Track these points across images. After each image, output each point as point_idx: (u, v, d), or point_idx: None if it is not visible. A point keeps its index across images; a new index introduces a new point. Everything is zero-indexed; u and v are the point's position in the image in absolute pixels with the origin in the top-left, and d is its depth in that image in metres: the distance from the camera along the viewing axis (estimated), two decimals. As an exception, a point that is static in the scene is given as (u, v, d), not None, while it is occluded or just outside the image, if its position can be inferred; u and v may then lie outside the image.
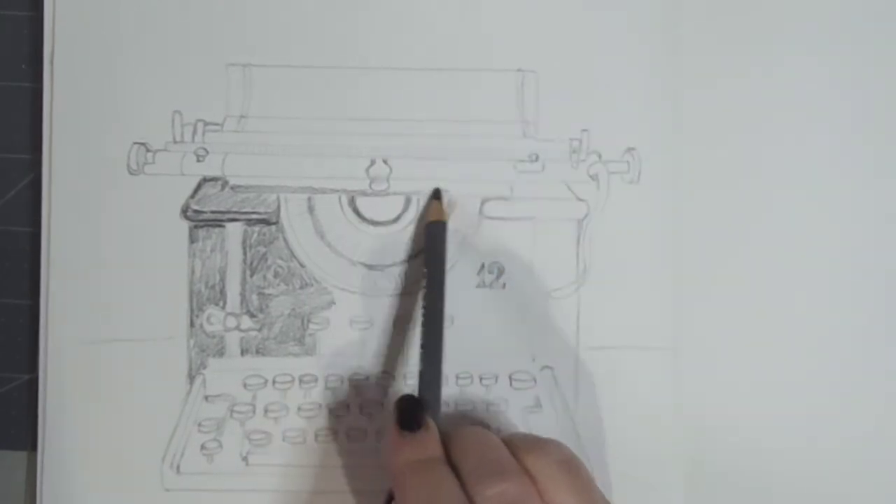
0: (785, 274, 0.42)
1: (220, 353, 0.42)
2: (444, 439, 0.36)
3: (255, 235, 0.42)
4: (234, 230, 0.42)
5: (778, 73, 0.42)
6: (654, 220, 0.42)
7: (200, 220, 0.42)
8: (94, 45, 0.42)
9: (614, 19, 0.42)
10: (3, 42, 0.43)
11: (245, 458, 0.42)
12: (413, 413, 0.36)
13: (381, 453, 0.37)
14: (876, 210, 0.43)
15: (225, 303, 0.42)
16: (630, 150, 0.42)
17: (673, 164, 0.42)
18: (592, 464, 0.41)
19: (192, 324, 0.42)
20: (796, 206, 0.42)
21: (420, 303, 0.40)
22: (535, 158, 0.42)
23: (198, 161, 0.42)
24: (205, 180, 0.42)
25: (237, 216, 0.42)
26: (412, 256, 0.42)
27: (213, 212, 0.42)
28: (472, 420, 0.41)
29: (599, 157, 0.42)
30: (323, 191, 0.42)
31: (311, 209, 0.42)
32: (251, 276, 0.42)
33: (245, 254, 0.42)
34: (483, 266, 0.42)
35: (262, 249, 0.42)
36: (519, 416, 0.42)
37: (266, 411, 0.42)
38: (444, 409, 0.42)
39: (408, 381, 0.42)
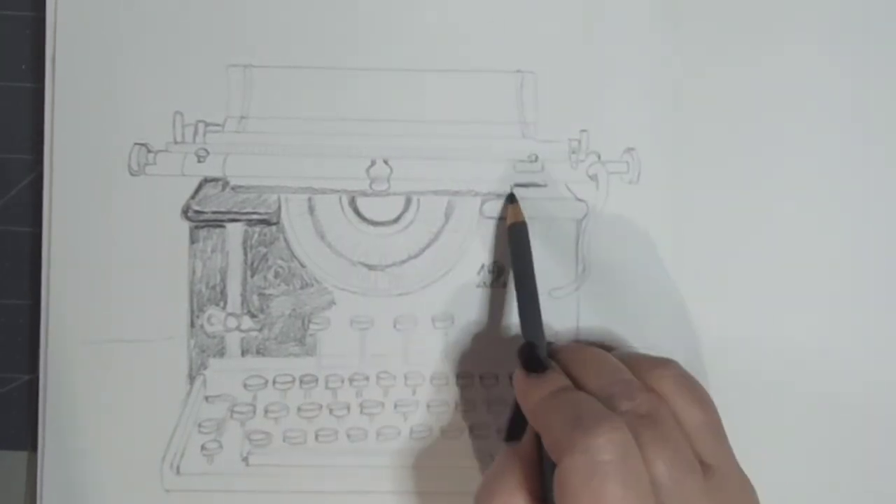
0: (785, 273, 0.42)
1: (221, 353, 0.42)
2: (566, 369, 0.37)
3: (256, 236, 0.42)
4: (235, 230, 0.42)
5: (778, 74, 0.43)
6: (654, 220, 0.42)
7: (201, 221, 0.42)
8: (96, 46, 0.42)
9: (614, 20, 0.42)
10: (5, 42, 0.43)
11: (245, 459, 0.42)
12: (536, 356, 0.38)
13: (516, 394, 0.37)
14: (879, 208, 0.43)
15: (225, 303, 0.42)
16: (629, 150, 0.42)
17: (672, 165, 0.42)
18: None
19: (192, 324, 0.42)
20: (796, 206, 0.43)
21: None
22: (535, 159, 0.42)
23: (198, 162, 0.42)
24: (205, 181, 0.42)
25: (238, 216, 0.42)
26: (413, 256, 0.42)
27: (213, 212, 0.42)
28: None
29: (599, 157, 0.42)
30: (323, 191, 0.42)
31: (311, 209, 0.42)
32: (252, 276, 0.42)
33: (246, 254, 0.42)
34: (483, 266, 0.42)
35: (262, 250, 0.42)
36: (519, 416, 0.42)
37: (266, 412, 0.42)
38: (444, 408, 0.42)
39: (408, 382, 0.42)
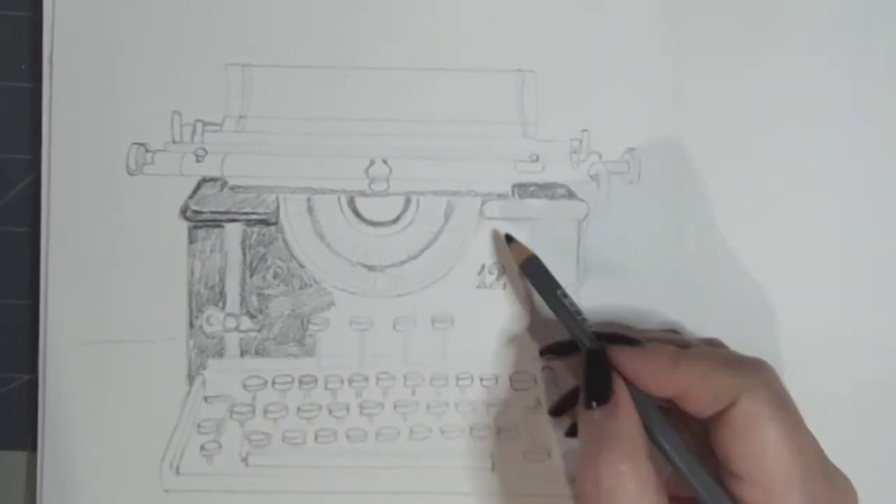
0: (785, 273, 0.42)
1: (220, 353, 0.42)
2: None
3: (255, 236, 0.42)
4: (234, 231, 0.42)
5: (778, 74, 0.42)
6: (654, 220, 0.42)
7: (200, 221, 0.42)
8: (94, 46, 0.42)
9: (614, 19, 0.42)
10: (3, 42, 0.43)
11: (245, 459, 0.42)
12: (606, 380, 0.35)
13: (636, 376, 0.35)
14: (879, 207, 0.42)
15: (224, 303, 0.42)
16: (630, 150, 0.42)
17: (673, 165, 0.42)
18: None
19: (191, 324, 0.42)
20: (796, 205, 0.42)
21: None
22: (536, 158, 0.42)
23: (197, 161, 0.42)
24: (204, 181, 0.42)
25: (236, 216, 0.42)
26: (412, 257, 0.42)
27: (212, 212, 0.42)
28: None
29: (599, 157, 0.42)
30: (322, 191, 0.42)
31: (310, 209, 0.42)
32: (251, 276, 0.42)
33: (244, 254, 0.42)
34: (483, 267, 0.42)
35: (261, 250, 0.42)
36: (519, 416, 0.42)
37: (266, 412, 0.42)
38: (444, 409, 0.42)
39: (408, 382, 0.42)
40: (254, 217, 0.42)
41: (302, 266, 0.42)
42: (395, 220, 0.42)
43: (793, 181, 0.42)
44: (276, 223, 0.42)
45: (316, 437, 0.42)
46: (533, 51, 0.42)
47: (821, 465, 0.33)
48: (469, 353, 0.42)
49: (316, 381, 0.42)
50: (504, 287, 0.42)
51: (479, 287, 0.42)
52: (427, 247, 0.42)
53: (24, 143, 0.42)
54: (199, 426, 0.42)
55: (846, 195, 0.42)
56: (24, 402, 0.43)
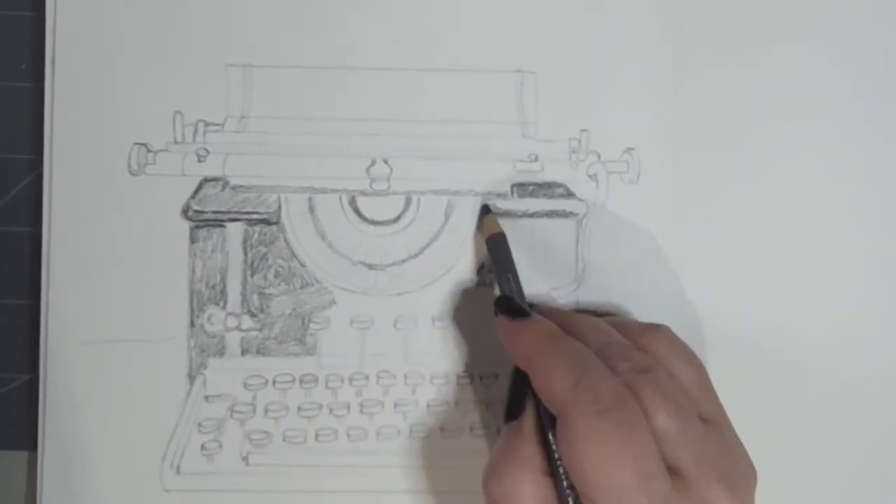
0: (785, 273, 0.42)
1: (221, 353, 0.42)
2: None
3: (256, 235, 0.42)
4: (235, 230, 0.42)
5: (778, 74, 0.43)
6: (654, 220, 0.42)
7: (201, 221, 0.42)
8: (96, 46, 0.42)
9: (614, 19, 0.42)
10: (5, 42, 0.43)
11: (245, 459, 0.42)
12: (518, 306, 0.38)
13: (503, 343, 0.37)
14: (880, 206, 0.43)
15: (225, 303, 0.42)
16: (629, 150, 0.42)
17: (672, 164, 0.42)
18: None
19: (192, 324, 0.42)
20: (796, 205, 0.43)
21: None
22: (535, 158, 0.42)
23: (198, 161, 0.42)
24: (205, 180, 0.42)
25: (238, 216, 0.42)
26: (413, 256, 0.42)
27: (213, 212, 0.42)
28: None
29: (599, 157, 0.42)
30: (323, 191, 0.42)
31: (311, 209, 0.42)
32: (252, 276, 0.42)
33: (246, 254, 0.42)
34: (483, 266, 0.42)
35: (262, 249, 0.42)
36: (519, 416, 0.42)
37: (266, 411, 0.42)
38: (444, 408, 0.42)
39: (408, 381, 0.42)
40: (255, 217, 0.42)
41: (303, 265, 0.42)
42: (396, 220, 0.42)
43: (793, 181, 0.43)
44: (277, 223, 0.42)
45: (316, 437, 0.42)
46: (532, 51, 0.42)
47: (651, 467, 0.32)
48: (469, 351, 0.42)
49: (316, 380, 0.42)
50: (504, 286, 0.42)
51: (479, 286, 0.42)
52: (427, 246, 0.42)
53: (25, 142, 0.42)
54: (199, 425, 0.42)
55: (846, 195, 0.43)
56: (24, 401, 0.42)
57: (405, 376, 0.42)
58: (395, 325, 0.42)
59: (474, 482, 0.41)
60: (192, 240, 0.42)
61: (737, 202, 0.42)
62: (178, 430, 0.41)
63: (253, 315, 0.42)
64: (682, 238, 0.42)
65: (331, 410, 0.42)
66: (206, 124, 0.42)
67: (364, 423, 0.42)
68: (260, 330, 0.42)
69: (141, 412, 0.41)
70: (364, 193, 0.42)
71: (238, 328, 0.42)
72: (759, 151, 0.42)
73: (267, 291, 0.42)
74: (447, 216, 0.42)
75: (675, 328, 0.42)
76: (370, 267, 0.42)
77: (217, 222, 0.42)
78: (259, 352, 0.42)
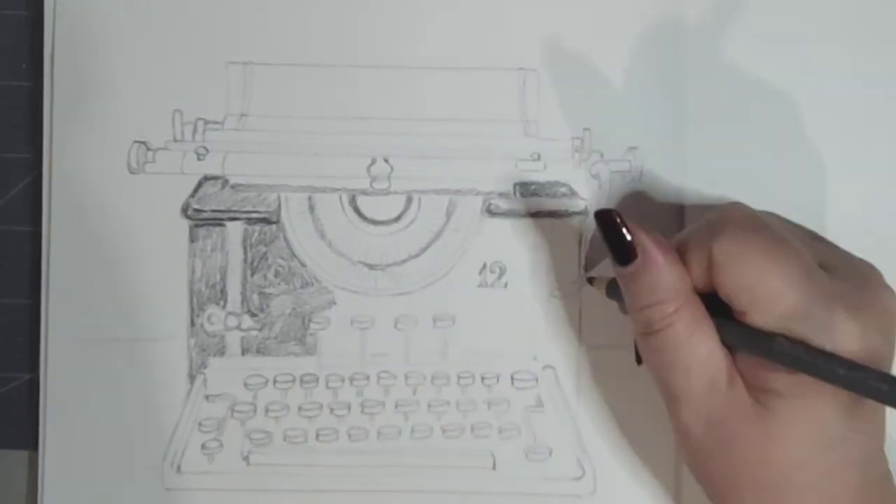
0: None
1: (221, 352, 0.42)
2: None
3: (256, 234, 0.42)
4: (235, 229, 0.42)
5: (779, 73, 0.42)
6: (656, 220, 0.42)
7: (201, 219, 0.42)
8: (94, 44, 0.42)
9: (616, 18, 0.42)
10: (4, 41, 0.42)
11: (246, 458, 0.42)
12: (624, 234, 0.36)
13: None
14: (881, 209, 0.42)
15: (225, 302, 0.42)
16: (632, 149, 0.42)
17: (674, 164, 0.42)
18: (594, 462, 0.41)
19: (192, 323, 0.42)
20: (799, 206, 0.42)
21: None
22: (537, 157, 0.42)
23: (198, 160, 0.42)
24: (205, 179, 0.42)
25: (238, 215, 0.42)
26: (413, 256, 0.42)
27: (213, 211, 0.42)
28: None
29: (601, 156, 0.42)
30: (324, 190, 0.42)
31: (311, 208, 0.42)
32: (252, 275, 0.42)
33: (246, 253, 0.42)
34: (485, 265, 0.42)
35: (262, 249, 0.42)
36: (521, 415, 0.42)
37: (267, 411, 0.42)
38: (445, 407, 0.42)
39: (409, 381, 0.42)
40: (255, 216, 0.42)
41: (303, 265, 0.42)
42: (397, 219, 0.42)
43: (794, 181, 0.42)
44: (277, 222, 0.42)
45: (317, 436, 0.42)
46: (535, 50, 0.42)
47: (817, 261, 0.34)
48: (470, 352, 0.42)
49: (317, 379, 0.42)
50: (506, 286, 0.42)
51: (480, 286, 0.42)
52: (428, 245, 0.42)
53: (24, 142, 0.42)
54: (200, 425, 0.42)
55: (848, 195, 0.42)
56: (24, 401, 0.42)
57: (406, 376, 0.42)
58: (395, 325, 0.42)
59: (474, 482, 0.41)
60: (192, 239, 0.42)
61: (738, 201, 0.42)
62: (179, 429, 0.41)
63: (253, 314, 0.42)
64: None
65: (331, 410, 0.42)
66: (206, 122, 0.42)
67: (365, 423, 0.42)
68: (260, 329, 0.42)
69: (141, 411, 0.41)
70: (364, 192, 0.42)
71: (238, 328, 0.42)
72: (760, 150, 0.42)
73: (267, 291, 0.42)
74: (448, 216, 0.42)
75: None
76: (370, 267, 0.42)
77: (217, 221, 0.42)
78: (259, 351, 0.42)
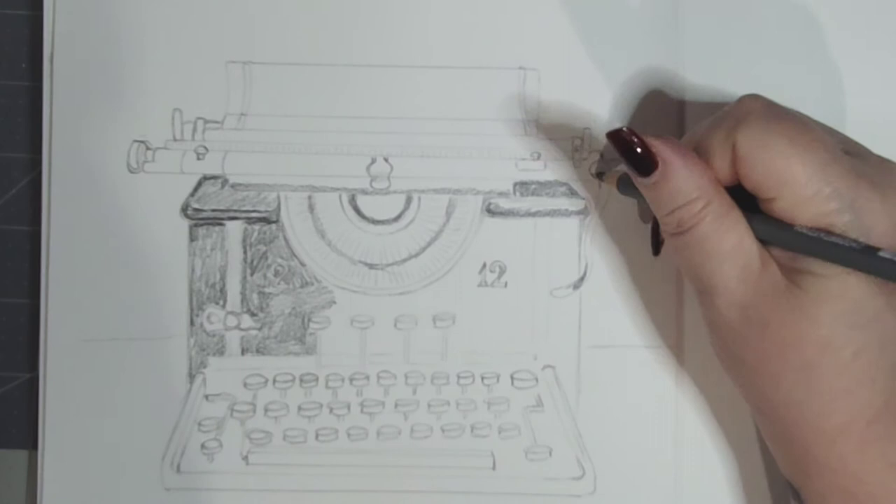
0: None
1: (221, 352, 0.42)
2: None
3: (256, 234, 0.42)
4: (235, 228, 0.42)
5: (779, 73, 0.42)
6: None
7: (200, 219, 0.42)
8: (94, 44, 0.41)
9: (616, 17, 0.42)
10: (3, 41, 0.42)
11: (245, 458, 0.42)
12: (640, 148, 0.35)
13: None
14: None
15: (225, 302, 0.42)
16: (600, 153, 0.42)
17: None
18: (594, 462, 0.41)
19: (192, 323, 0.42)
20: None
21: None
22: (537, 157, 0.42)
23: (198, 159, 0.42)
24: (205, 178, 0.42)
25: (237, 214, 0.42)
26: (413, 255, 0.42)
27: (213, 210, 0.42)
28: None
29: (601, 155, 0.42)
30: (323, 189, 0.42)
31: (311, 207, 0.42)
32: (251, 274, 0.42)
33: (245, 252, 0.42)
34: (484, 265, 0.42)
35: (262, 248, 0.42)
36: (520, 415, 0.42)
37: (266, 411, 0.42)
38: (445, 407, 0.42)
39: (409, 381, 0.42)
40: (255, 215, 0.42)
41: (303, 264, 0.42)
42: (397, 219, 0.42)
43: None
44: (276, 221, 0.42)
45: (317, 436, 0.42)
46: (535, 49, 0.42)
47: (839, 147, 0.34)
48: (470, 351, 0.42)
49: (317, 379, 0.42)
50: (505, 286, 0.42)
51: (480, 286, 0.42)
52: (428, 245, 0.42)
53: (24, 141, 0.42)
54: (199, 424, 0.42)
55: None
56: (24, 400, 0.42)
57: (406, 376, 0.42)
58: (395, 325, 0.42)
59: (474, 482, 0.41)
60: (192, 238, 0.42)
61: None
62: (178, 429, 0.41)
63: (253, 314, 0.42)
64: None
65: (331, 410, 0.42)
66: (206, 122, 0.42)
67: (364, 423, 0.42)
68: (260, 329, 0.42)
69: (141, 411, 0.41)
70: (364, 192, 0.42)
71: (238, 327, 0.42)
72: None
73: (266, 290, 0.42)
74: (448, 215, 0.42)
75: (676, 327, 0.42)
76: (370, 266, 0.42)
77: (216, 220, 0.42)
78: (259, 351, 0.42)
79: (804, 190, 0.33)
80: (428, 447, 0.42)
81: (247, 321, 0.42)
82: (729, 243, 0.34)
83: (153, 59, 0.42)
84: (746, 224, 0.35)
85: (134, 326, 0.41)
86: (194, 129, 0.42)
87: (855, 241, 0.32)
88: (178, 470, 0.41)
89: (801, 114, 0.36)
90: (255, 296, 0.42)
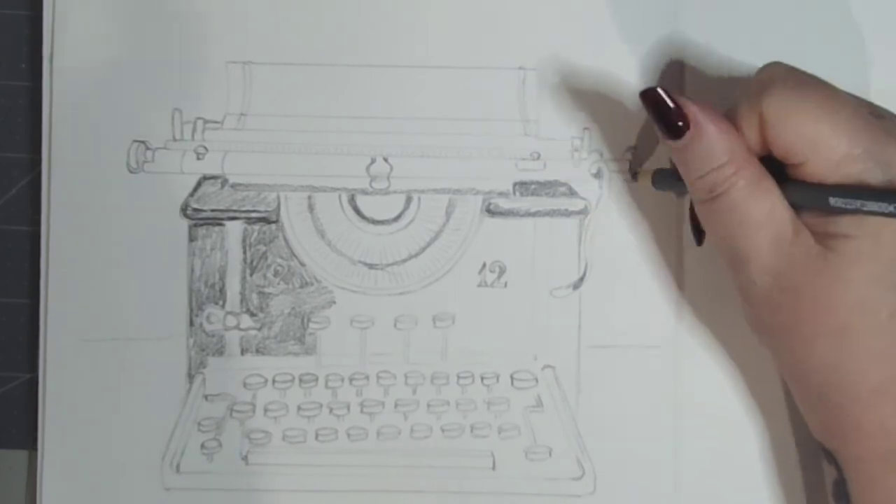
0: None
1: (220, 352, 0.42)
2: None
3: (255, 234, 0.42)
4: (234, 229, 0.42)
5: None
6: (656, 219, 0.42)
7: (200, 219, 0.42)
8: (93, 44, 0.41)
9: (616, 17, 0.42)
10: (3, 41, 0.42)
11: (245, 458, 0.42)
12: (673, 107, 0.35)
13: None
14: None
15: (225, 302, 0.42)
16: (631, 148, 0.42)
17: (675, 163, 0.42)
18: (594, 462, 0.41)
19: (191, 323, 0.42)
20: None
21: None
22: (537, 157, 0.42)
23: (197, 159, 0.42)
24: (204, 178, 0.42)
25: (237, 214, 0.42)
26: (413, 255, 0.42)
27: (212, 210, 0.42)
28: None
29: (601, 155, 0.42)
30: (323, 189, 0.42)
31: (311, 207, 0.42)
32: (251, 274, 0.42)
33: (245, 252, 0.42)
34: (484, 265, 0.42)
35: (261, 248, 0.42)
36: (520, 415, 0.42)
37: (266, 411, 0.42)
38: (444, 407, 0.42)
39: (409, 381, 0.42)
40: (254, 215, 0.42)
41: (302, 264, 0.42)
42: (397, 219, 0.42)
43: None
44: (276, 221, 0.42)
45: (316, 436, 0.42)
46: (534, 49, 0.42)
47: (866, 109, 0.34)
48: (469, 351, 0.42)
49: (316, 379, 0.42)
50: (505, 286, 0.42)
51: (480, 286, 0.42)
52: (428, 245, 0.42)
53: (23, 141, 0.42)
54: (199, 424, 0.42)
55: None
56: (24, 400, 0.42)
57: (405, 376, 0.42)
58: (395, 325, 0.42)
59: (474, 482, 0.41)
60: (191, 238, 0.42)
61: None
62: (178, 429, 0.41)
63: (252, 314, 0.42)
64: (682, 236, 0.42)
65: (331, 410, 0.42)
66: (206, 122, 0.42)
67: (364, 423, 0.42)
68: (259, 329, 0.42)
69: (141, 411, 0.41)
70: (364, 192, 0.42)
71: (237, 327, 0.42)
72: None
73: (266, 290, 0.42)
74: (448, 215, 0.42)
75: (675, 327, 0.42)
76: (370, 266, 0.42)
77: (216, 220, 0.42)
78: (258, 351, 0.42)
79: (834, 152, 0.33)
80: (428, 447, 0.42)
81: (246, 321, 0.42)
82: (762, 211, 0.34)
83: (153, 60, 0.42)
84: (779, 191, 0.35)
85: (133, 326, 0.41)
86: (194, 129, 0.42)
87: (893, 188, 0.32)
88: (178, 470, 0.41)
89: (822, 79, 0.36)
90: (254, 296, 0.42)
